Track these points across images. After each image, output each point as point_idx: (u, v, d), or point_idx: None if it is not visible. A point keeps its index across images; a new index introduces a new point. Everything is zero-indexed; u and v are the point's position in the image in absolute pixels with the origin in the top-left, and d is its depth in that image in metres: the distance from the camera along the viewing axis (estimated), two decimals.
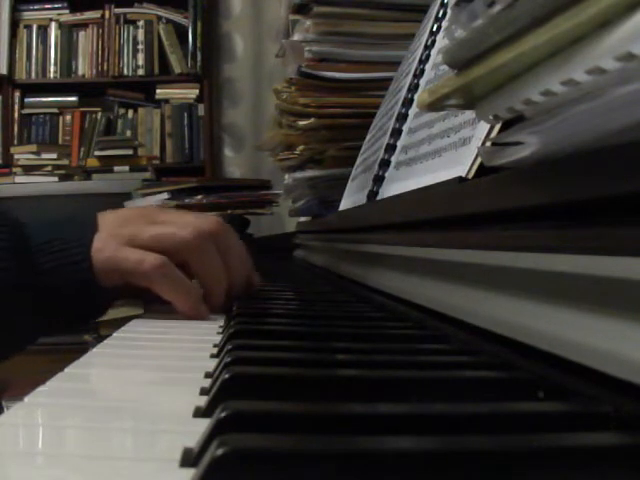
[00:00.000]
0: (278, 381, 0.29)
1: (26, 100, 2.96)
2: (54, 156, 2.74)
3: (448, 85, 0.30)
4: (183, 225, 0.59)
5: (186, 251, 0.58)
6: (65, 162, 2.78)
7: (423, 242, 0.48)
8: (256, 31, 2.95)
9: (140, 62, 2.97)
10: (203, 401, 0.28)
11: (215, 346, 0.42)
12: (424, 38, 0.76)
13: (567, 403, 0.25)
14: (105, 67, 2.96)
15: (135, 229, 0.58)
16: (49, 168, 2.70)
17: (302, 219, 1.46)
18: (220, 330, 0.50)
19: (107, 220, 0.60)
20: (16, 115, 2.94)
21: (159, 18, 2.99)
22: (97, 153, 2.71)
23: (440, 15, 0.73)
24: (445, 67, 0.31)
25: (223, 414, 0.22)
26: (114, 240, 0.57)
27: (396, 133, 0.72)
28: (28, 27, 2.97)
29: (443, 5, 0.73)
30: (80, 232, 0.59)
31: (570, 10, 0.22)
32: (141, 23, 2.98)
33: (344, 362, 0.34)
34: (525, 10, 0.24)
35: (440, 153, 0.53)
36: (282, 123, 1.24)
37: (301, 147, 1.17)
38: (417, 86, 0.72)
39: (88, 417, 0.27)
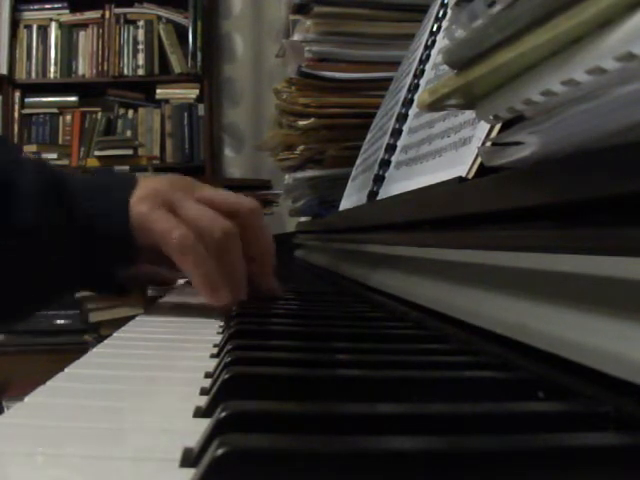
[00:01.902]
0: (278, 381, 0.29)
1: (26, 100, 2.96)
2: (54, 156, 2.74)
3: (448, 85, 0.30)
4: (238, 195, 0.61)
5: (248, 218, 0.59)
6: (65, 162, 2.79)
7: (423, 242, 0.48)
8: (256, 31, 2.95)
9: (140, 62, 2.97)
10: (203, 401, 0.28)
11: (215, 346, 0.42)
12: (424, 38, 0.76)
13: (567, 403, 0.25)
14: (105, 67, 2.96)
15: (177, 196, 0.58)
16: None
17: (302, 219, 1.46)
18: (220, 330, 0.50)
19: (149, 179, 0.61)
20: (16, 115, 2.94)
21: (159, 18, 2.99)
22: (97, 153, 2.71)
23: (440, 15, 0.73)
24: (445, 67, 0.31)
25: (223, 414, 0.22)
26: (155, 197, 0.58)
27: (396, 133, 0.72)
28: (28, 27, 2.97)
29: (443, 5, 0.73)
30: (121, 185, 0.60)
31: (570, 10, 0.22)
32: (141, 23, 2.98)
33: (344, 362, 0.34)
34: (525, 10, 0.24)
35: (440, 153, 0.53)
36: (282, 123, 1.24)
37: (301, 147, 1.17)
38: (417, 86, 0.72)
39: (88, 417, 0.27)
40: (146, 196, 0.58)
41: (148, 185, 0.59)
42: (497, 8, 0.26)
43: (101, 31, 2.98)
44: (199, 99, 2.96)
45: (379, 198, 0.70)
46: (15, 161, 0.59)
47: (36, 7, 2.97)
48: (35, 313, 0.64)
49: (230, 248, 0.58)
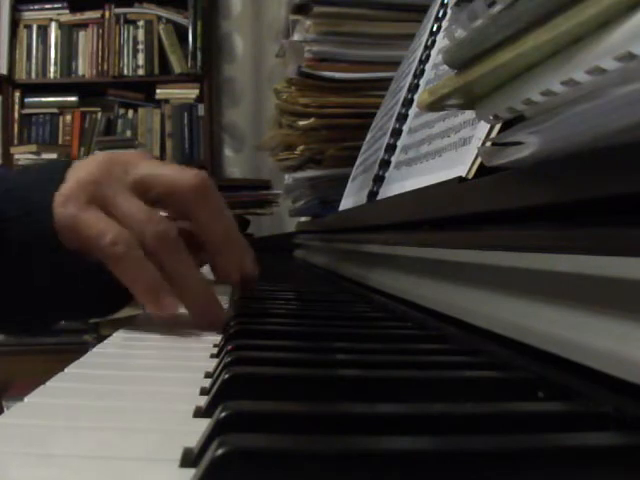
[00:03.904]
0: (278, 381, 0.29)
1: (26, 100, 2.96)
2: (54, 156, 2.74)
3: (448, 85, 0.30)
4: (180, 169, 0.50)
5: (188, 197, 0.49)
6: None
7: (423, 242, 0.48)
8: (256, 31, 2.96)
9: (140, 62, 2.97)
10: (203, 401, 0.28)
11: (215, 346, 0.42)
12: (424, 38, 0.76)
13: (567, 403, 0.25)
14: (105, 67, 2.96)
15: (109, 188, 0.48)
16: None
17: (302, 219, 1.46)
18: (220, 330, 0.50)
19: (80, 165, 0.50)
20: (16, 115, 2.94)
21: (159, 18, 2.99)
22: (97, 153, 2.71)
23: (440, 15, 0.73)
24: (445, 67, 0.31)
25: (223, 414, 0.22)
26: (82, 192, 0.48)
27: (396, 133, 0.72)
28: (28, 27, 2.97)
29: (443, 5, 0.73)
30: (47, 179, 0.50)
31: (570, 10, 0.22)
32: (141, 23, 2.99)
33: (344, 362, 0.34)
34: (525, 10, 0.24)
35: (440, 153, 0.53)
36: (282, 123, 1.24)
37: (301, 147, 1.17)
38: (417, 86, 0.73)
39: (88, 417, 0.27)
40: (71, 193, 0.48)
41: (75, 177, 0.49)
42: (497, 8, 0.26)
43: (101, 31, 2.98)
44: (199, 99, 2.96)
45: (379, 198, 0.70)
46: None
47: (36, 7, 2.97)
48: None
49: (168, 251, 0.48)
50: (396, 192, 0.62)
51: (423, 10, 0.85)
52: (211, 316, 0.49)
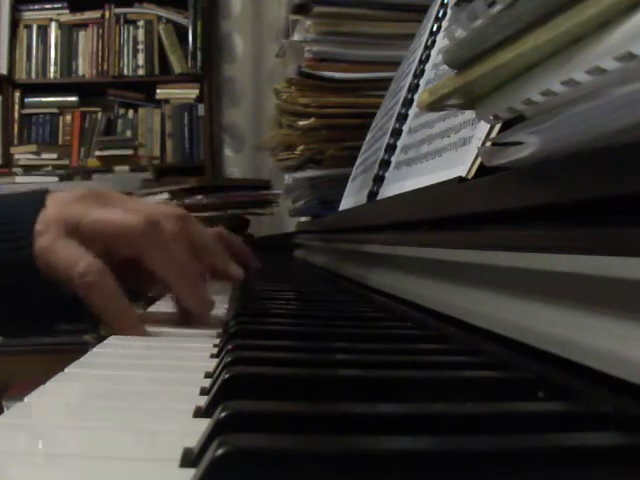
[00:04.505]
0: (278, 381, 0.29)
1: (26, 100, 2.96)
2: (54, 156, 2.74)
3: (448, 85, 0.30)
4: (133, 211, 0.51)
5: (135, 241, 0.50)
6: (65, 162, 2.79)
7: (423, 242, 0.48)
8: (256, 31, 2.95)
9: (140, 62, 2.97)
10: (203, 401, 0.28)
11: (215, 346, 0.42)
12: (424, 38, 0.76)
13: (567, 403, 0.25)
14: (105, 67, 2.96)
15: (80, 211, 0.50)
16: (49, 168, 2.70)
17: (302, 219, 1.46)
18: (220, 330, 0.50)
19: (56, 197, 0.52)
20: (16, 115, 2.94)
21: (159, 18, 2.99)
22: (97, 153, 2.72)
23: (440, 15, 0.73)
24: (445, 67, 0.31)
25: (223, 414, 0.22)
26: (55, 224, 0.50)
27: (396, 133, 0.72)
28: (28, 27, 2.96)
29: (443, 5, 0.73)
30: (24, 208, 0.51)
31: (570, 10, 0.22)
32: (141, 23, 2.98)
33: (344, 362, 0.34)
34: (525, 10, 0.24)
35: (440, 153, 0.53)
36: (282, 123, 1.24)
37: (301, 147, 1.17)
38: (417, 86, 0.73)
39: (88, 417, 0.27)
40: (46, 226, 0.50)
41: (49, 209, 0.51)
42: (497, 8, 0.26)
43: (101, 31, 2.98)
44: (199, 99, 2.96)
45: (379, 198, 0.70)
46: None
47: (36, 7, 2.96)
48: None
49: (161, 236, 0.50)
50: (396, 192, 0.62)
51: (423, 10, 0.85)
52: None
